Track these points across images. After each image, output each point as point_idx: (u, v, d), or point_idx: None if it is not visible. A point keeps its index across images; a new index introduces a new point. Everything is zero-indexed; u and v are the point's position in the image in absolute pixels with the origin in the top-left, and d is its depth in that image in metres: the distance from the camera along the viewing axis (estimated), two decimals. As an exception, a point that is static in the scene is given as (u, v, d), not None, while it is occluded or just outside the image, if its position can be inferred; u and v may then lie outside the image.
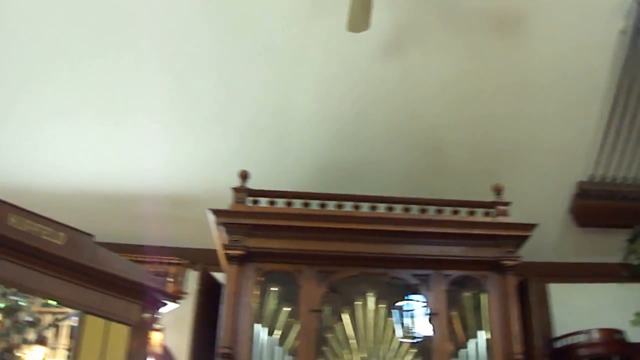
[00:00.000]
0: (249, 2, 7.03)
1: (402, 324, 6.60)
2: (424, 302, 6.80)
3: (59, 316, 5.91)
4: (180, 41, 7.22)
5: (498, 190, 7.29)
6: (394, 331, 6.87)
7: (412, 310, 6.68)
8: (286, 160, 7.98)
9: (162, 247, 7.83)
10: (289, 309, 6.92)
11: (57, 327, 5.83)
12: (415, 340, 6.65)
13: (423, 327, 6.72)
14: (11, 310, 5.54)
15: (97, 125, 7.69)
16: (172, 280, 7.03)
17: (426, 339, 6.75)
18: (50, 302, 5.76)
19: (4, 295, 5.54)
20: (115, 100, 7.53)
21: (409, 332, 6.60)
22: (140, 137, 7.76)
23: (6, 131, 7.70)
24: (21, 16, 6.97)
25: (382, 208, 7.21)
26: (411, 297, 6.81)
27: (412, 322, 6.63)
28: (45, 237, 5.68)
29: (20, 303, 5.62)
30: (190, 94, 7.53)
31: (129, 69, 7.33)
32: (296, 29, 7.18)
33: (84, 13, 7.01)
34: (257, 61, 7.37)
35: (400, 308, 6.60)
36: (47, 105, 7.54)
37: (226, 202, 7.01)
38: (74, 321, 5.79)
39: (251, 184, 7.12)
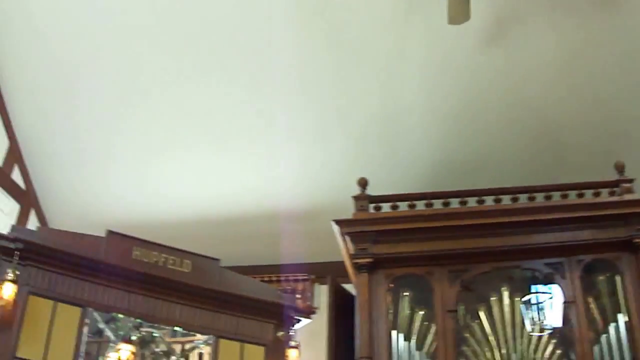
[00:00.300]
0: (344, 13, 6.98)
1: (532, 316, 6.38)
2: (549, 292, 6.55)
3: (193, 344, 6.02)
4: (289, 63, 7.26)
5: (620, 168, 6.92)
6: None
7: (541, 302, 6.45)
8: (402, 162, 7.84)
9: (287, 265, 7.88)
10: (423, 312, 6.77)
11: (191, 354, 5.93)
12: (546, 333, 6.42)
13: (554, 318, 6.48)
14: (146, 342, 5.68)
15: (206, 152, 7.88)
16: (300, 296, 7.05)
17: (566, 328, 6.51)
18: (183, 330, 5.88)
19: (137, 327, 5.68)
20: (221, 126, 7.69)
21: (539, 324, 6.37)
22: (248, 160, 7.88)
23: (124, 169, 7.99)
24: (131, 56, 7.24)
25: (506, 199, 7.00)
26: (538, 287, 6.57)
27: (542, 314, 6.40)
28: (171, 267, 5.81)
29: (154, 334, 5.76)
30: (297, 111, 7.57)
31: (235, 94, 7.49)
32: (394, 30, 7.09)
33: (185, 45, 7.24)
34: (360, 69, 7.32)
35: (528, 301, 6.38)
36: (155, 138, 7.81)
37: (348, 212, 6.94)
38: (207, 347, 5.89)
39: (371, 191, 7.02)
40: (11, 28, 7.40)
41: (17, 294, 5.32)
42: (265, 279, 7.41)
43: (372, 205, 7.00)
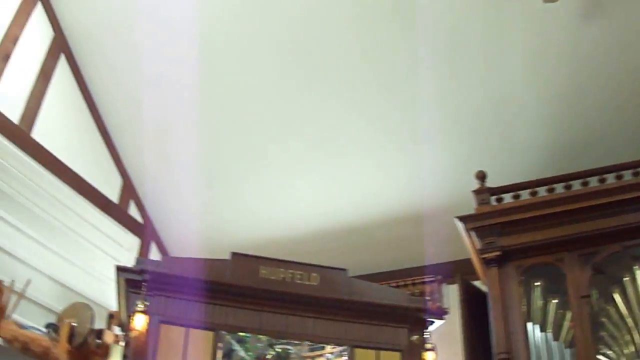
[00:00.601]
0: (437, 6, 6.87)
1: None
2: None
3: (324, 357, 5.99)
4: (395, 63, 7.22)
5: None
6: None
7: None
8: (516, 150, 7.59)
9: (412, 268, 7.79)
10: (556, 300, 6.58)
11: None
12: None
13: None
14: (280, 358, 5.69)
15: (323, 164, 7.83)
16: (430, 298, 6.96)
17: None
18: (316, 343, 5.87)
19: (271, 345, 5.70)
20: (338, 136, 7.65)
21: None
22: (364, 167, 7.79)
23: (238, 191, 8.04)
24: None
25: (627, 175, 6.71)
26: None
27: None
28: (299, 281, 5.81)
29: (289, 350, 5.77)
30: (405, 113, 7.48)
31: (341, 105, 7.45)
32: (489, 19, 6.90)
33: (307, 57, 7.28)
34: (463, 60, 7.14)
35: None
36: (269, 157, 7.85)
37: (468, 208, 6.80)
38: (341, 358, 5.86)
39: (489, 183, 6.87)
40: (114, 56, 7.61)
41: (149, 324, 5.43)
42: (392, 284, 7.31)
43: (493, 198, 6.83)
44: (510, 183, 6.88)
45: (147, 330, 5.41)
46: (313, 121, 7.61)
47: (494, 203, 6.84)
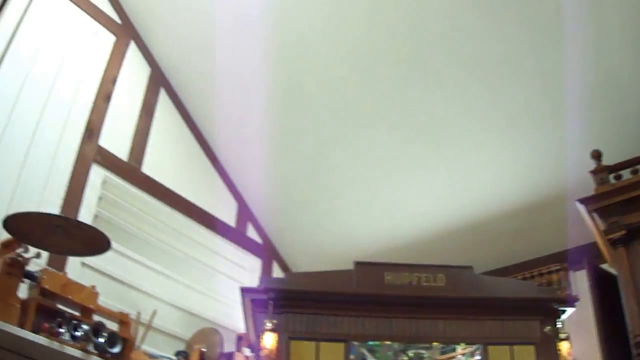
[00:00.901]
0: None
1: None
2: None
3: (461, 357, 5.91)
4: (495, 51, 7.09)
5: None
6: None
7: None
8: (628, 124, 7.29)
9: (536, 259, 7.63)
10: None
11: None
12: None
13: None
14: (414, 363, 5.67)
15: (434, 162, 7.65)
16: (558, 287, 6.80)
17: None
18: (447, 345, 5.80)
19: (403, 350, 5.67)
20: (444, 132, 7.49)
21: None
22: (478, 160, 7.54)
23: (353, 199, 8.02)
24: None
25: None
26: None
27: None
28: (425, 284, 5.75)
29: (421, 355, 5.72)
30: (517, 101, 7.27)
31: (447, 100, 7.32)
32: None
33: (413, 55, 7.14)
34: (566, 41, 6.97)
35: None
36: (380, 161, 7.76)
37: (586, 190, 6.56)
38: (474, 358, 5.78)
39: (604, 161, 6.62)
40: (211, 82, 7.79)
41: (278, 342, 5.45)
42: (518, 277, 7.17)
43: (611, 176, 6.62)
44: (627, 159, 6.63)
45: (277, 348, 5.43)
46: (424, 119, 7.47)
47: (613, 181, 6.61)
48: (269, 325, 5.48)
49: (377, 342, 5.86)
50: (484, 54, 7.01)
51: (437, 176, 7.72)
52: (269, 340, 5.43)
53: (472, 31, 6.86)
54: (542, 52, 6.97)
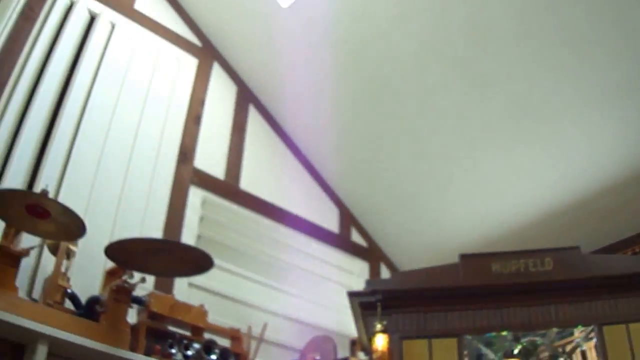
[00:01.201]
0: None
1: None
2: None
3: (574, 343, 5.74)
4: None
5: None
6: None
7: None
8: None
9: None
10: None
11: (574, 354, 5.65)
12: None
13: None
14: (528, 352, 5.51)
15: (531, 140, 7.36)
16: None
17: None
18: (563, 329, 5.64)
19: (517, 339, 5.54)
20: (539, 108, 7.28)
21: None
22: (580, 134, 7.21)
23: (453, 191, 7.89)
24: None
25: None
26: None
27: None
28: (532, 269, 5.58)
29: (537, 342, 5.58)
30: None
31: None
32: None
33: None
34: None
35: None
36: (479, 152, 7.60)
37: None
38: (588, 343, 5.59)
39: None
40: (296, 90, 7.84)
41: (390, 343, 5.38)
42: (628, 252, 6.93)
43: None
44: None
45: (389, 349, 5.36)
46: (522, 100, 7.24)
47: None
48: (378, 327, 5.42)
49: (494, 334, 5.75)
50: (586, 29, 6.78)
51: (537, 155, 7.47)
52: (381, 342, 5.38)
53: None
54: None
